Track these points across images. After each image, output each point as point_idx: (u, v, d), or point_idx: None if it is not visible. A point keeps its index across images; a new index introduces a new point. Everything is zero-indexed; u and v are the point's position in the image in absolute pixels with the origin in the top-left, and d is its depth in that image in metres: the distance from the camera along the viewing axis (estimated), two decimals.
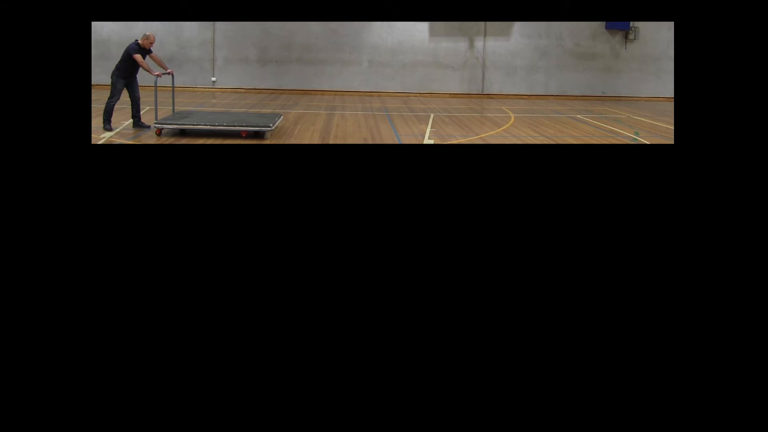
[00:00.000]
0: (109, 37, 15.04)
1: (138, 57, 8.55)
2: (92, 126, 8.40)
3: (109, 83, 8.72)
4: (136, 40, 8.69)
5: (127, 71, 8.67)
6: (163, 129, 8.46)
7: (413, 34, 15.76)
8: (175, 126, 8.49)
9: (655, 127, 11.16)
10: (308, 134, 9.26)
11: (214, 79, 15.50)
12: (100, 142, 8.00)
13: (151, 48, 8.83)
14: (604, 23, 16.05)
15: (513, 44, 16.05)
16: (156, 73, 8.60)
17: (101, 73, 14.96)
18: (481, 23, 15.76)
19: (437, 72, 15.93)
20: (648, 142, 9.30)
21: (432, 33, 15.79)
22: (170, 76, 9.11)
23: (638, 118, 12.45)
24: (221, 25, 15.28)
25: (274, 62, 15.59)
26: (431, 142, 8.97)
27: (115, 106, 8.81)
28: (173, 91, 9.67)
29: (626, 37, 16.29)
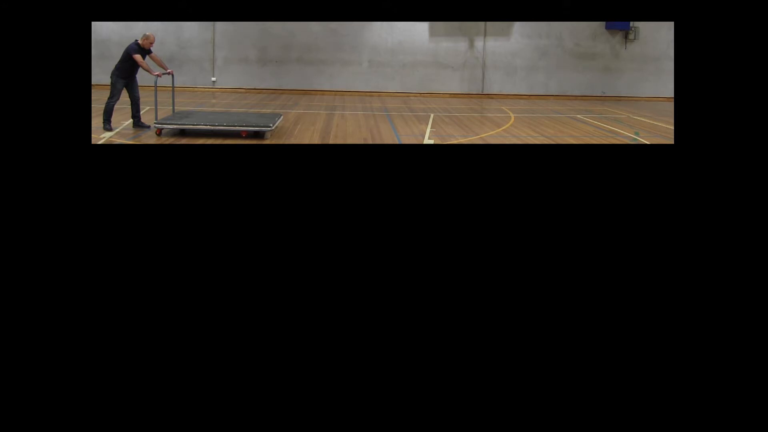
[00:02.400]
0: (109, 37, 15.03)
1: (138, 57, 8.54)
2: (92, 126, 8.40)
3: (109, 83, 8.72)
4: (136, 40, 8.69)
5: (126, 71, 8.67)
6: (163, 129, 8.46)
7: (413, 34, 15.76)
8: (175, 126, 8.48)
9: (655, 127, 11.16)
10: (308, 134, 9.26)
11: (214, 79, 15.50)
12: (100, 142, 8.00)
13: (151, 48, 8.83)
14: (604, 23, 16.05)
15: (513, 44, 16.05)
16: (156, 73, 8.60)
17: (101, 73, 14.94)
18: (481, 23, 15.76)
19: (437, 72, 15.93)
20: (648, 142, 9.30)
21: (432, 33, 15.79)
22: (170, 76, 9.11)
23: (638, 118, 12.45)
24: (221, 25, 15.28)
25: (274, 62, 15.59)
26: (431, 142, 8.97)
27: (115, 106, 8.81)
28: (173, 91, 9.67)
29: (626, 37, 16.29)
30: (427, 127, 10.29)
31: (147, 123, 9.00)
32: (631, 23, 16.05)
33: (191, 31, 15.30)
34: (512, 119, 11.67)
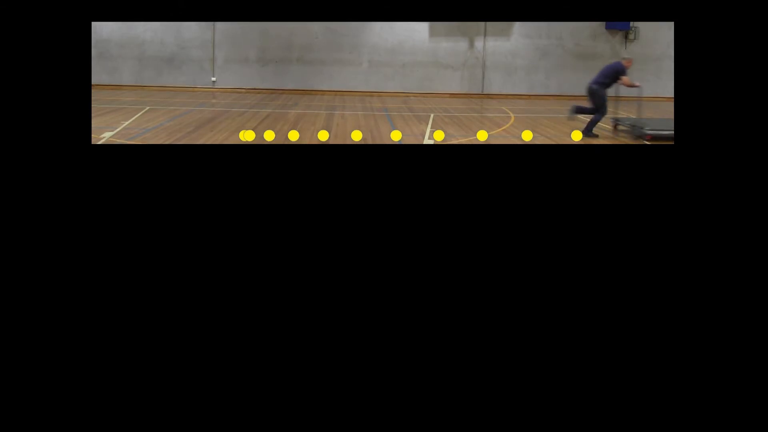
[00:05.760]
0: (109, 37, 15.04)
1: (626, 78, 9.55)
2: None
3: (591, 99, 9.58)
4: (621, 62, 9.72)
5: (608, 86, 9.64)
6: (653, 135, 9.05)
7: (413, 34, 15.75)
8: (667, 132, 9.06)
9: None
10: (308, 134, 9.26)
11: (214, 79, 15.49)
12: (100, 142, 8.00)
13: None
14: (604, 23, 16.04)
15: (513, 44, 16.04)
16: (637, 84, 9.64)
17: (101, 72, 14.99)
18: (481, 23, 15.75)
19: (437, 72, 15.92)
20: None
21: (432, 33, 15.78)
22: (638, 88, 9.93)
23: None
24: (221, 25, 15.28)
25: (274, 62, 15.58)
26: (431, 142, 8.98)
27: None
28: (640, 103, 10.25)
29: (626, 37, 16.27)
30: (427, 127, 10.29)
31: (595, 133, 9.68)
32: (631, 23, 16.03)
33: (191, 31, 15.29)
34: (512, 119, 11.67)
